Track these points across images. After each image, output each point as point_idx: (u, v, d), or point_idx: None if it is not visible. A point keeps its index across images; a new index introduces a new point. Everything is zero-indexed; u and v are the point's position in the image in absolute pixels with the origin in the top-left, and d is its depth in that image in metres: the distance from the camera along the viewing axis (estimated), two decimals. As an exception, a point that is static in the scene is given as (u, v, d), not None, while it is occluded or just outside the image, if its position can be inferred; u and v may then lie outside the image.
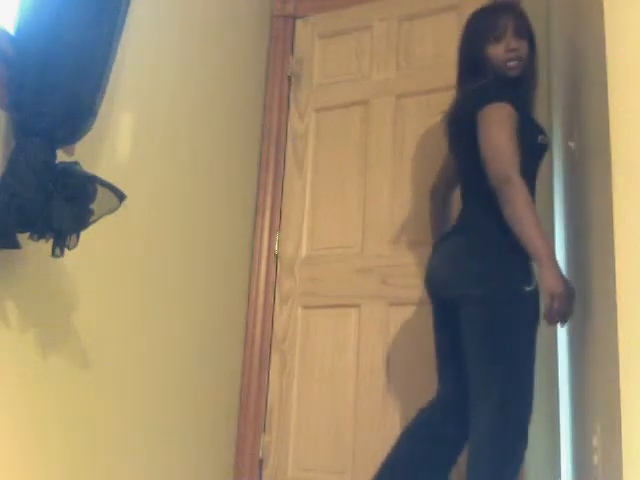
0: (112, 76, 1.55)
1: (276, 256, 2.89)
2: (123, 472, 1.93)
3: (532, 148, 2.04)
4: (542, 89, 2.88)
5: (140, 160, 2.01)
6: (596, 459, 1.72)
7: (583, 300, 1.97)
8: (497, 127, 1.96)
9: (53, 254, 1.41)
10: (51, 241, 1.41)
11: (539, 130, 2.11)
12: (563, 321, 1.90)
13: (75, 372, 1.70)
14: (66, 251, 1.43)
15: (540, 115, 2.86)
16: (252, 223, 2.95)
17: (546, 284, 1.82)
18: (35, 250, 1.46)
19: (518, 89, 2.13)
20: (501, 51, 2.06)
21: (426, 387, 2.17)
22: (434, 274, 2.05)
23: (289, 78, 3.07)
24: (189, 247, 2.37)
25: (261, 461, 2.72)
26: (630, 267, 1.50)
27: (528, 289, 1.88)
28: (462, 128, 2.05)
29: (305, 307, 2.80)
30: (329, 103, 2.97)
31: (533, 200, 1.94)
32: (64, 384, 1.66)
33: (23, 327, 1.51)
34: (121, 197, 1.52)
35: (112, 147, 1.86)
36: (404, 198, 2.73)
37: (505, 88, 2.05)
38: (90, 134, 1.52)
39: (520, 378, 1.88)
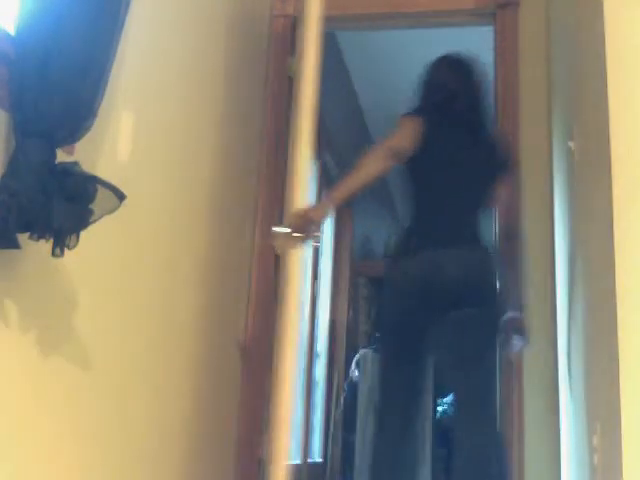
0: (112, 76, 1.55)
1: (276, 256, 2.89)
2: (123, 472, 1.93)
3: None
4: (542, 90, 2.88)
5: (140, 160, 2.01)
6: (596, 459, 1.72)
7: (584, 300, 1.97)
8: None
9: (53, 254, 1.41)
10: (51, 241, 1.40)
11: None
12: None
13: (75, 372, 1.70)
14: (66, 251, 1.43)
15: (540, 115, 2.86)
16: (252, 223, 2.95)
17: None
18: (35, 250, 1.46)
19: None
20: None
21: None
22: (466, 275, 2.27)
23: (289, 78, 3.07)
24: (189, 247, 2.37)
25: (261, 461, 2.72)
26: (630, 267, 1.50)
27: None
28: (496, 168, 2.43)
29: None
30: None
31: None
32: (64, 384, 1.66)
33: (23, 327, 1.51)
34: (121, 197, 1.52)
35: (112, 147, 1.85)
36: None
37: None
38: (90, 134, 1.52)
39: None
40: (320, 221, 2.18)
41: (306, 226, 2.09)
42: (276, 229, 2.12)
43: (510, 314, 2.30)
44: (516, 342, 2.30)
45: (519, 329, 2.31)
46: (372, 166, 2.30)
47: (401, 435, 2.27)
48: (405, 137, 2.35)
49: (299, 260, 2.05)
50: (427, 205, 2.39)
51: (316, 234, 2.12)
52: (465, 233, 2.34)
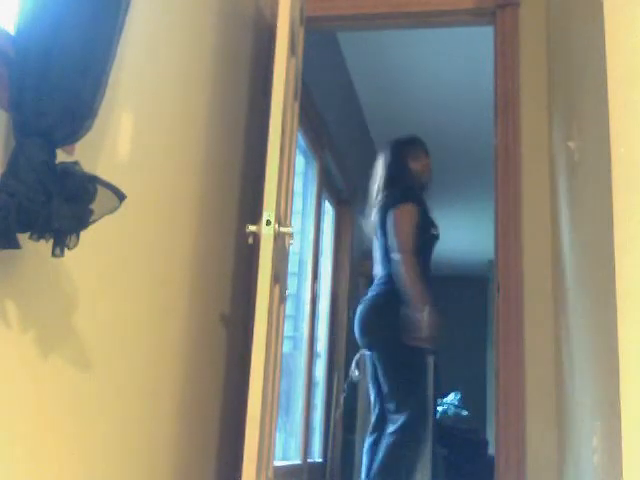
0: (112, 76, 1.55)
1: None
2: (123, 472, 1.93)
3: (426, 239, 3.09)
4: (542, 90, 2.88)
5: (140, 160, 2.01)
6: (596, 459, 1.72)
7: (584, 300, 1.97)
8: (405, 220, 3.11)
9: (53, 254, 1.41)
10: (51, 241, 1.40)
11: (432, 224, 3.14)
12: None
13: (75, 372, 1.70)
14: (66, 251, 1.42)
15: (540, 115, 2.86)
16: (252, 223, 2.94)
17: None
18: (35, 250, 1.46)
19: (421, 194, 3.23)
20: (419, 166, 3.26)
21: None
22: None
23: (289, 78, 3.07)
24: (189, 247, 2.37)
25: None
26: (630, 267, 1.50)
27: None
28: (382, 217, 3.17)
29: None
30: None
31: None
32: (64, 384, 1.66)
33: (23, 327, 1.51)
34: (121, 197, 1.52)
35: (112, 147, 1.86)
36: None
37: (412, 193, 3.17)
38: (90, 134, 1.52)
39: None
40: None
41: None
42: (250, 227, 2.19)
43: None
44: None
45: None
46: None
47: None
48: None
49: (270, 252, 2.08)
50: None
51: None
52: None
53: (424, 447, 3.21)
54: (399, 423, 3.04)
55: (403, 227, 3.04)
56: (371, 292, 3.17)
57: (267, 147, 2.11)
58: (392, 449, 3.04)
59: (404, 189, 3.18)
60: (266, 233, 2.05)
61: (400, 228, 3.04)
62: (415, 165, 3.24)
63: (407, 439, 3.07)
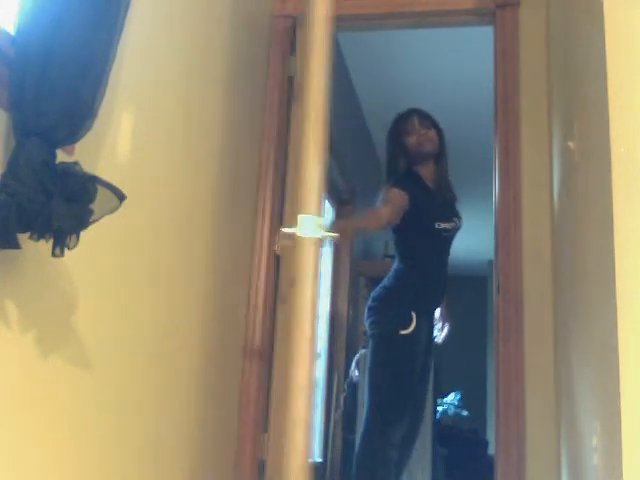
0: (112, 76, 1.55)
1: (277, 256, 2.89)
2: (123, 472, 1.93)
3: (428, 230, 2.96)
4: (542, 90, 2.88)
5: (140, 160, 2.01)
6: (596, 459, 1.72)
7: (584, 300, 1.97)
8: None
9: (53, 254, 1.41)
10: (51, 241, 1.40)
11: (439, 217, 2.97)
12: None
13: (75, 372, 1.70)
14: (66, 251, 1.42)
15: (540, 115, 2.86)
16: (252, 223, 2.95)
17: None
18: (35, 250, 1.46)
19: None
20: (414, 140, 3.04)
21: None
22: None
23: (289, 78, 3.07)
24: (189, 247, 2.37)
25: (261, 461, 2.72)
26: (630, 267, 1.50)
27: None
28: None
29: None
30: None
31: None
32: (64, 384, 1.66)
33: (23, 327, 1.51)
34: (121, 197, 1.52)
35: (112, 147, 1.85)
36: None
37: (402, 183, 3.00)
38: (90, 134, 1.52)
39: None
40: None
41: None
42: (285, 230, 2.12)
43: None
44: None
45: None
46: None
47: None
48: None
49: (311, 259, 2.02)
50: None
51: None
52: None
53: (393, 453, 2.80)
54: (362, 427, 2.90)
55: (387, 198, 2.94)
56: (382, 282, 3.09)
57: (302, 142, 2.03)
58: (357, 461, 2.86)
59: (395, 182, 3.02)
60: (310, 237, 1.94)
61: (384, 198, 2.96)
62: (410, 139, 3.04)
63: (367, 449, 2.83)
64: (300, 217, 1.94)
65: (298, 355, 1.85)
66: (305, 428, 1.77)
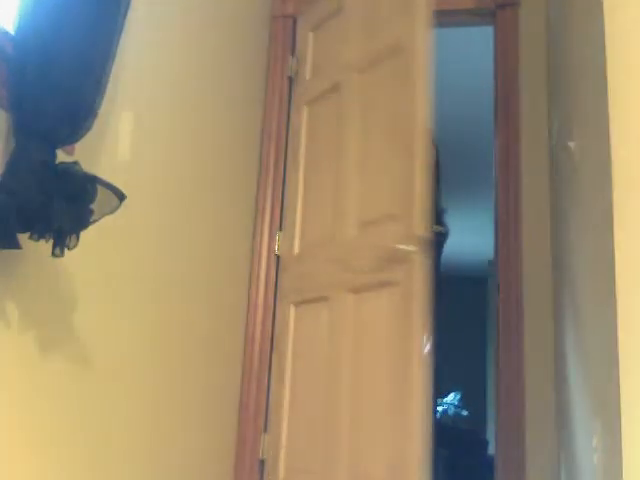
0: (112, 76, 1.55)
1: (277, 256, 2.89)
2: (123, 472, 1.93)
3: None
4: (542, 90, 2.88)
5: (140, 160, 2.01)
6: (596, 459, 1.72)
7: (584, 300, 1.97)
8: None
9: (53, 254, 1.41)
10: (51, 241, 1.40)
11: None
12: None
13: (75, 372, 1.70)
14: (66, 251, 1.42)
15: (540, 115, 2.86)
16: (252, 223, 2.95)
17: None
18: (35, 250, 1.46)
19: None
20: None
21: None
22: None
23: (289, 78, 3.07)
24: (189, 247, 2.37)
25: (261, 461, 2.72)
26: (630, 267, 1.50)
27: None
28: None
29: (295, 304, 2.79)
30: (314, 94, 2.95)
31: None
32: (64, 384, 1.66)
33: (23, 327, 1.51)
34: (121, 197, 1.52)
35: (112, 147, 1.85)
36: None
37: None
38: (90, 134, 1.52)
39: None
40: None
41: None
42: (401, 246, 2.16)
43: None
44: None
45: None
46: None
47: None
48: None
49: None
50: None
51: None
52: None
53: None
54: None
55: None
56: None
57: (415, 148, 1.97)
58: None
59: None
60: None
61: None
62: None
63: None
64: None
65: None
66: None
